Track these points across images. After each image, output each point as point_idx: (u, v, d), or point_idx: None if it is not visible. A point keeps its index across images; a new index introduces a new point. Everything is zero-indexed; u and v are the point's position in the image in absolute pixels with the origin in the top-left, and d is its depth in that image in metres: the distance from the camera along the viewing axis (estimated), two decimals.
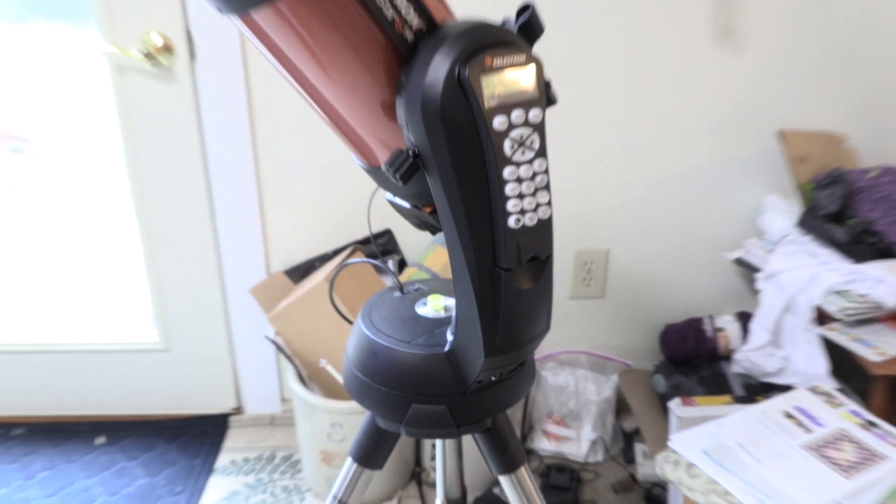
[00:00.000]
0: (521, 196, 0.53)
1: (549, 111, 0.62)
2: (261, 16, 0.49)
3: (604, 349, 1.62)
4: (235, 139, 1.41)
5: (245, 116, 1.39)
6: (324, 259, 1.51)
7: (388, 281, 1.44)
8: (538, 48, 1.30)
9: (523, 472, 0.71)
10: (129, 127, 1.39)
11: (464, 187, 0.52)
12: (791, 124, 1.45)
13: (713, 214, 1.53)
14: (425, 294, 0.71)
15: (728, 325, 1.46)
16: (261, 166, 1.45)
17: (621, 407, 1.60)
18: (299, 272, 1.51)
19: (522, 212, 0.53)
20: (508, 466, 0.71)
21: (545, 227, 0.55)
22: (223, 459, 1.53)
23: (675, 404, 1.32)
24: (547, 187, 0.54)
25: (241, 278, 1.53)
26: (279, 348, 1.38)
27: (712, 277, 1.58)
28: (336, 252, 1.51)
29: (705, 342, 1.45)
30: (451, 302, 0.68)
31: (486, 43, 0.50)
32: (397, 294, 0.72)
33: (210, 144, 1.41)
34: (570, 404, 1.54)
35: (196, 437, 1.59)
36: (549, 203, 0.55)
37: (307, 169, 1.46)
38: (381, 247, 1.51)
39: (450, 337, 0.62)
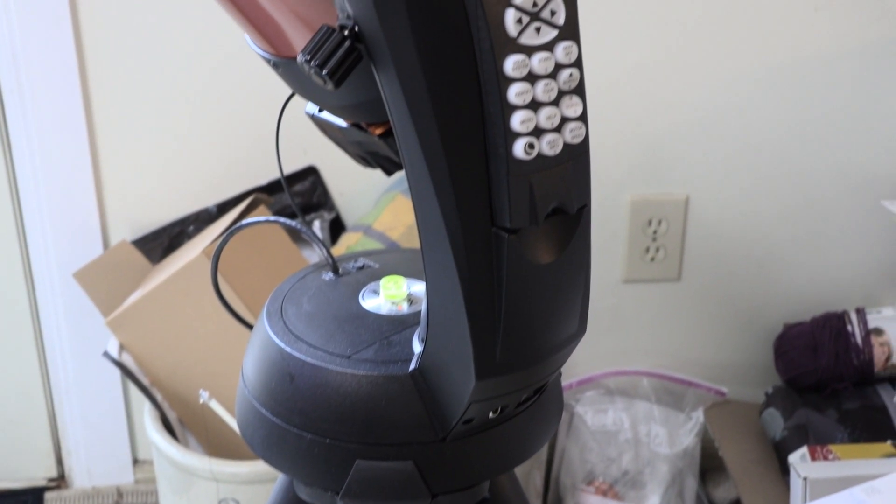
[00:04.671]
0: (534, 105, 0.53)
1: None
2: None
3: (680, 367, 1.64)
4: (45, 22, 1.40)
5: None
6: (201, 219, 1.51)
7: (313, 256, 1.44)
8: None
9: None
10: None
11: (437, 91, 0.52)
12: None
13: (862, 136, 1.54)
14: (376, 275, 0.71)
15: (890, 323, 1.49)
16: (88, 58, 1.44)
17: (710, 465, 1.62)
18: (160, 243, 1.51)
19: (537, 132, 0.54)
20: None
21: (577, 158, 0.56)
22: None
23: (799, 458, 1.34)
24: (580, 90, 0.55)
25: (60, 254, 1.53)
26: (127, 373, 1.38)
27: (861, 244, 1.60)
28: (222, 207, 1.51)
29: (851, 353, 1.48)
30: (420, 288, 0.68)
31: None
32: (328, 276, 0.72)
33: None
34: (623, 462, 1.56)
35: None
36: (582, 117, 0.55)
37: (171, 68, 1.46)
38: (299, 197, 1.51)
39: (418, 347, 0.62)
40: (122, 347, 1.39)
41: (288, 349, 0.64)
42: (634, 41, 1.48)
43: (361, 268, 0.73)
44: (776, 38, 1.49)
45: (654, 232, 1.57)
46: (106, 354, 1.38)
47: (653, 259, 1.59)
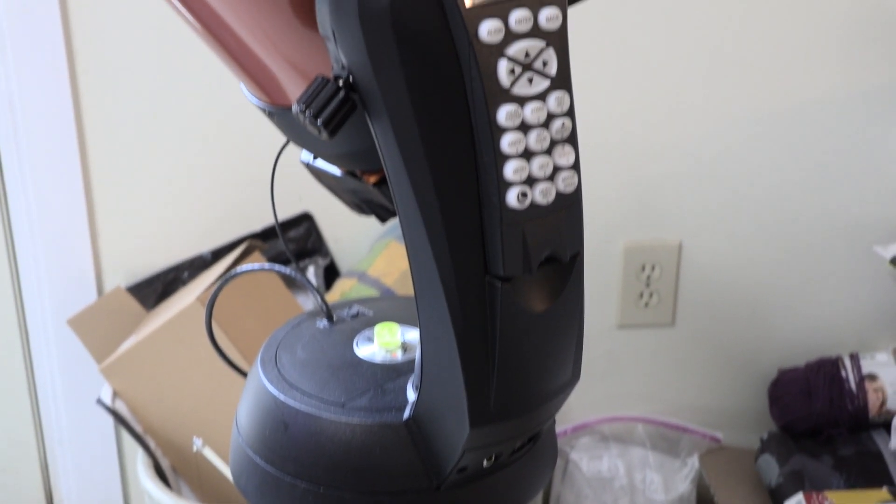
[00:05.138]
0: (527, 155, 0.54)
1: (579, 15, 0.63)
2: None
3: (675, 413, 1.64)
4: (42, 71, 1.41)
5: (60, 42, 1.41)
6: (196, 266, 1.51)
7: (307, 302, 1.44)
8: None
9: None
10: None
11: (431, 140, 0.53)
12: None
13: (853, 183, 1.55)
14: (370, 323, 0.71)
15: (884, 369, 1.49)
16: (83, 106, 1.45)
17: None
18: (154, 289, 1.51)
19: (530, 181, 0.54)
20: None
21: (570, 206, 0.56)
22: None
23: None
24: (572, 140, 0.55)
25: (54, 300, 1.52)
26: (120, 421, 1.37)
27: (854, 289, 1.60)
28: (217, 253, 1.51)
29: (845, 399, 1.48)
30: (414, 335, 0.68)
31: None
32: (323, 324, 0.72)
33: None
34: None
35: None
36: (575, 166, 0.55)
37: (166, 116, 1.46)
38: (294, 244, 1.51)
39: (412, 395, 0.62)
40: (115, 394, 1.39)
41: (282, 397, 0.64)
42: (626, 89, 1.49)
43: (356, 315, 0.73)
44: (768, 85, 1.50)
45: (648, 277, 1.58)
46: (99, 402, 1.38)
47: (647, 304, 1.59)
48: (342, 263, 1.55)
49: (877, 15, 1.47)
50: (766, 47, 1.48)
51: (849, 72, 1.50)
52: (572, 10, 0.56)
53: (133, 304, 1.47)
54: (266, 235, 1.52)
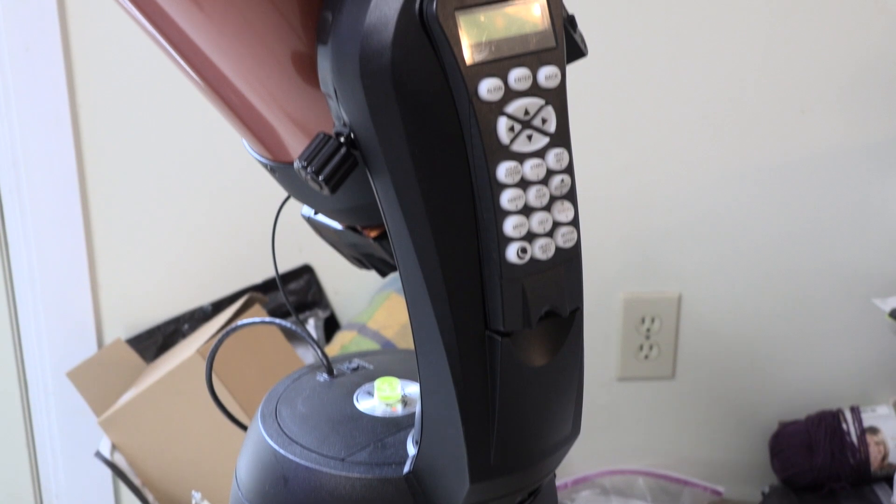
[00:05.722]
0: (527, 210, 0.54)
1: (577, 71, 0.64)
2: None
3: (676, 466, 1.63)
4: (45, 113, 1.42)
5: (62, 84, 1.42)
6: (196, 318, 1.52)
7: (308, 354, 1.44)
8: None
9: None
10: None
11: (432, 196, 0.53)
12: None
13: (852, 236, 1.56)
14: (371, 376, 0.71)
15: (885, 422, 1.48)
16: (86, 159, 1.46)
17: None
18: (154, 342, 1.51)
19: (530, 237, 0.55)
20: None
21: (569, 262, 0.56)
22: None
23: None
24: (571, 196, 0.56)
25: (54, 353, 1.52)
26: (119, 474, 1.37)
27: (854, 342, 1.60)
28: (217, 306, 1.52)
29: (847, 452, 1.47)
30: (415, 389, 0.68)
31: None
32: (323, 377, 0.72)
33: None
34: None
35: None
36: (574, 222, 0.56)
37: (167, 169, 1.47)
38: (294, 296, 1.52)
39: (412, 450, 0.62)
40: (114, 447, 1.38)
41: (282, 451, 0.64)
42: (626, 142, 1.50)
43: (356, 369, 0.74)
44: (767, 139, 1.51)
45: (648, 330, 1.58)
46: (98, 454, 1.37)
47: (647, 357, 1.59)
48: (342, 316, 1.55)
49: (875, 70, 1.48)
50: (765, 101, 1.49)
51: (847, 126, 1.51)
52: (571, 67, 0.57)
53: (133, 357, 1.47)
54: (266, 288, 1.52)
